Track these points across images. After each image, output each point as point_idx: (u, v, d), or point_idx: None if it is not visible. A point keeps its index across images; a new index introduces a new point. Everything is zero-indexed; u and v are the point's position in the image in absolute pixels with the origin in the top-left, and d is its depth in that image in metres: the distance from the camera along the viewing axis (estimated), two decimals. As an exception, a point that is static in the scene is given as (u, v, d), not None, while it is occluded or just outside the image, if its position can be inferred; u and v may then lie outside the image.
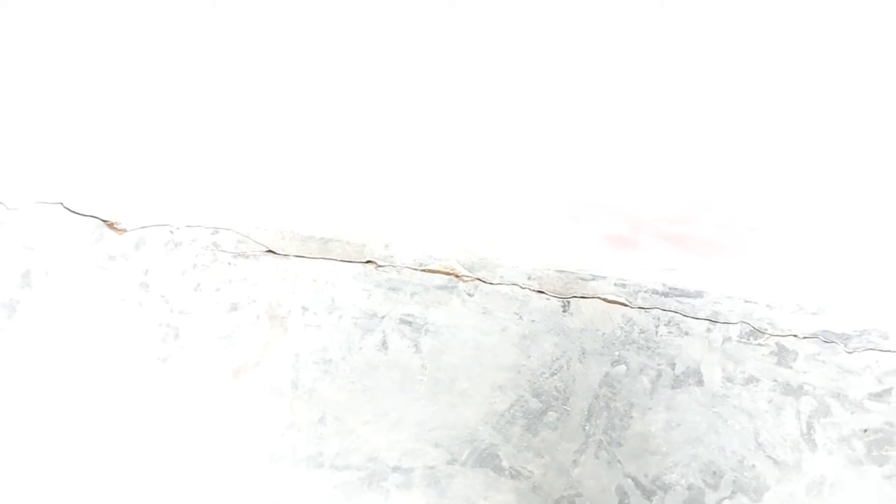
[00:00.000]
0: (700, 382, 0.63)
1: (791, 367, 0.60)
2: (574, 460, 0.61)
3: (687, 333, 0.64)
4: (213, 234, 0.65)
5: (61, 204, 0.64)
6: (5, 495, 0.58)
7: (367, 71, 0.48)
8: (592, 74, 0.41)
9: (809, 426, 0.58)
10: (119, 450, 0.59)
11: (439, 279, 0.65)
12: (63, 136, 0.65)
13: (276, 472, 0.60)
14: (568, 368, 0.63)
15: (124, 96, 0.55)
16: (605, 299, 0.65)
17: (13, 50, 0.47)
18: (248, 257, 0.64)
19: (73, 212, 0.64)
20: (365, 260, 0.65)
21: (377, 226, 0.66)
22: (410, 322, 0.63)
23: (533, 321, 0.64)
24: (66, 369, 0.61)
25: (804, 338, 0.60)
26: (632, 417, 0.62)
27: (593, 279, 0.65)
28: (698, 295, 0.66)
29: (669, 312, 0.65)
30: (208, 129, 0.64)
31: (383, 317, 0.64)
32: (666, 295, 0.65)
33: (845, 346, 0.60)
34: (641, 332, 0.64)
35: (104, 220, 0.64)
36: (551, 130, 0.52)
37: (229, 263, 0.64)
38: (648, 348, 0.63)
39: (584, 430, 0.61)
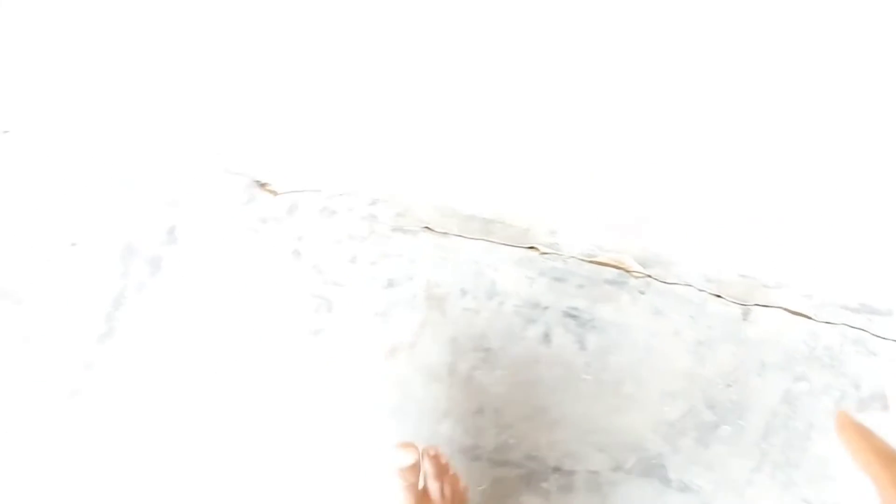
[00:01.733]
0: (885, 407, 0.58)
1: None
2: (748, 479, 0.57)
3: (874, 354, 0.60)
4: (370, 204, 0.61)
5: (210, 158, 0.60)
6: (152, 459, 0.55)
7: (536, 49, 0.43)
8: None
9: None
10: (266, 422, 0.56)
11: (608, 273, 0.61)
12: (218, 87, 0.61)
13: (430, 461, 0.56)
14: (745, 381, 0.59)
15: (287, 53, 0.50)
16: (788, 310, 0.60)
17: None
18: (406, 232, 0.60)
19: (224, 169, 0.60)
20: (528, 245, 0.61)
21: (543, 210, 0.62)
22: (575, 316, 0.59)
23: (709, 327, 0.60)
24: (211, 333, 0.58)
25: None
26: (811, 439, 0.58)
27: (778, 287, 0.60)
28: (889, 313, 0.61)
29: (857, 330, 0.60)
30: (372, 93, 0.60)
31: (546, 307, 0.60)
32: (856, 311, 0.60)
33: None
34: (826, 348, 0.59)
35: (256, 180, 0.60)
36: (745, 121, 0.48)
37: (386, 237, 0.60)
38: (832, 367, 0.59)
39: (759, 447, 0.58)
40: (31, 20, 0.63)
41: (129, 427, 0.58)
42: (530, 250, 0.62)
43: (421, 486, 0.50)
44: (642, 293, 0.61)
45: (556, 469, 0.59)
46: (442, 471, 0.50)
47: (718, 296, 0.62)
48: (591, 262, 0.62)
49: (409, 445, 0.52)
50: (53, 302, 0.60)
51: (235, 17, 0.63)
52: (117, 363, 0.59)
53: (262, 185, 0.62)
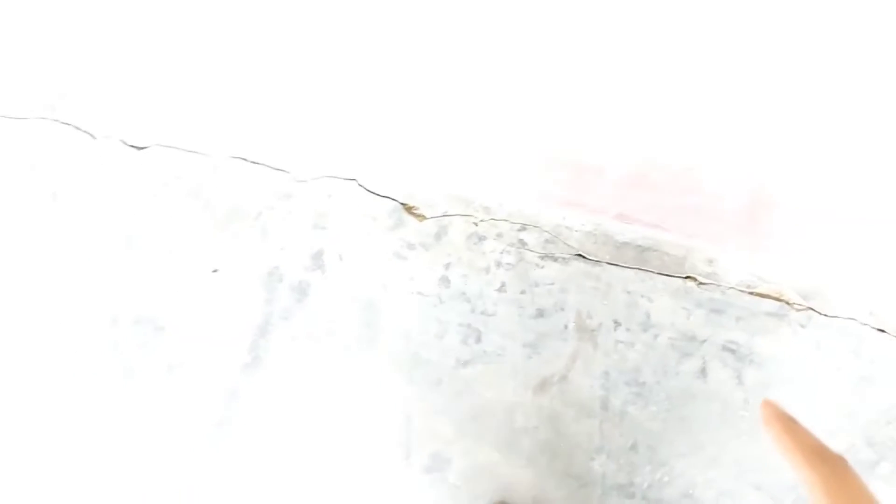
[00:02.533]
0: None
1: None
2: (911, 520, 0.55)
3: None
4: (519, 230, 0.58)
5: (355, 181, 0.58)
6: (295, 489, 0.54)
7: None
8: None
9: None
10: (406, 448, 0.55)
11: (768, 304, 0.58)
12: (359, 107, 0.58)
13: (585, 497, 0.55)
14: (909, 419, 0.57)
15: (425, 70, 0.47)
16: (957, 347, 0.58)
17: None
18: (556, 260, 0.58)
19: (370, 191, 0.58)
20: (685, 275, 0.58)
21: (700, 239, 0.59)
22: (734, 350, 0.57)
23: (871, 362, 0.57)
24: (357, 360, 0.56)
25: None
26: (976, 479, 0.56)
27: (945, 323, 0.58)
28: None
29: None
30: (528, 112, 0.56)
31: (703, 341, 0.58)
32: None
33: None
34: None
35: (403, 204, 0.58)
36: None
37: (536, 264, 0.58)
38: None
39: (922, 487, 0.56)
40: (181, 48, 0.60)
41: (275, 458, 0.56)
42: (687, 280, 0.60)
43: None
44: (803, 326, 0.59)
45: (715, 508, 0.57)
46: None
47: (882, 330, 0.59)
48: (750, 293, 0.60)
49: None
50: (196, 330, 0.58)
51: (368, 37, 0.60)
52: (263, 393, 0.57)
53: (410, 209, 0.60)
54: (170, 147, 0.59)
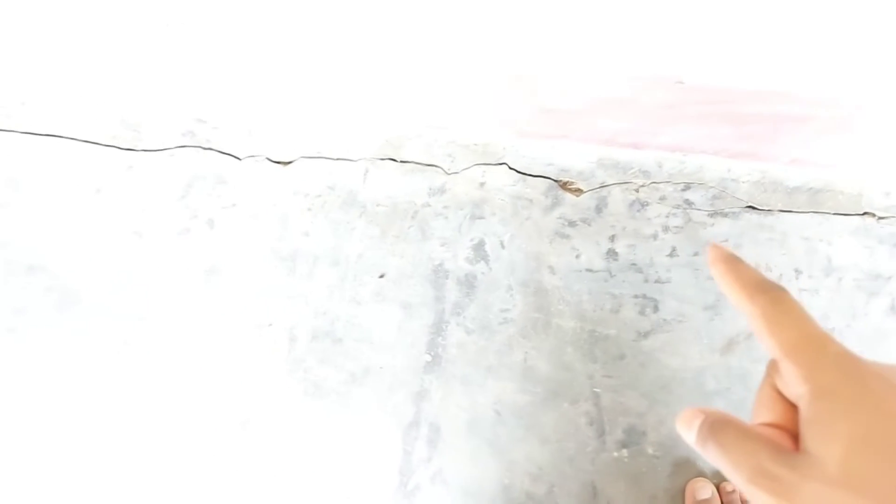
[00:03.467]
0: None
1: None
2: None
3: None
4: (683, 190, 0.56)
5: (505, 164, 0.56)
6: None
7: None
8: None
9: None
10: (607, 429, 0.54)
11: (956, 231, 0.55)
12: (502, 88, 0.55)
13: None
14: None
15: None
16: None
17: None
18: (726, 215, 0.56)
19: (521, 173, 0.56)
20: (862, 212, 0.56)
21: (874, 170, 0.56)
22: None
23: None
24: (537, 346, 0.55)
25: None
26: None
27: None
28: None
29: None
30: (662, 62, 0.53)
31: (890, 277, 0.55)
32: None
33: None
34: None
35: (556, 181, 0.56)
36: None
37: (706, 223, 0.56)
38: None
39: None
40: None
41: (472, 452, 0.56)
42: (865, 217, 0.57)
43: None
44: None
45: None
46: None
47: None
48: (935, 221, 0.57)
49: (705, 481, 0.53)
50: (373, 337, 0.58)
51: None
52: (450, 390, 0.57)
53: (565, 185, 0.58)
54: (316, 157, 0.58)
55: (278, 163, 0.59)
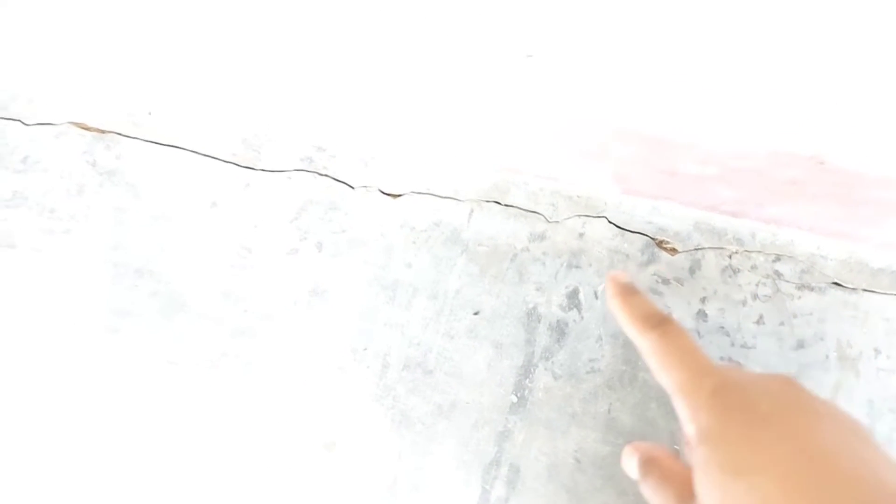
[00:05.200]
0: None
1: None
2: None
3: None
4: (773, 261, 0.58)
5: (605, 217, 0.59)
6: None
7: None
8: None
9: None
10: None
11: None
12: (602, 147, 0.58)
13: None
14: None
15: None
16: None
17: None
18: (813, 289, 0.58)
19: (620, 227, 0.59)
20: None
21: None
22: None
23: None
24: (620, 398, 0.57)
25: None
26: None
27: None
28: None
29: None
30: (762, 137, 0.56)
31: None
32: None
33: None
34: None
35: (653, 239, 0.58)
36: None
37: (793, 295, 0.58)
38: None
39: None
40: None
41: (549, 496, 0.58)
42: (947, 305, 0.60)
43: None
44: None
45: None
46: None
47: None
48: None
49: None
50: (461, 371, 0.60)
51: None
52: (533, 433, 0.59)
53: (661, 244, 0.60)
54: (425, 194, 0.61)
55: (389, 195, 0.61)
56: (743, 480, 0.23)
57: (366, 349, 0.61)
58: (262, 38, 0.51)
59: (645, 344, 0.33)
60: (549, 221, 0.62)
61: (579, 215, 0.62)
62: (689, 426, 0.31)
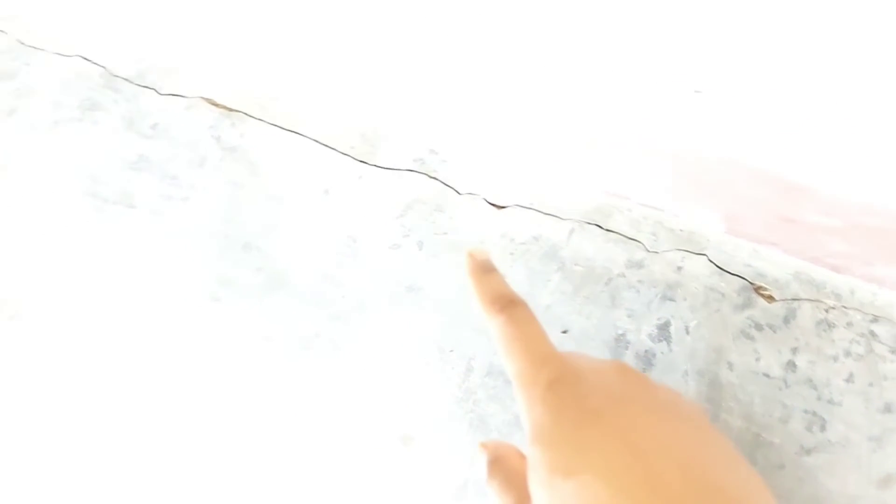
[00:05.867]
0: None
1: None
2: None
3: None
4: (871, 321, 0.58)
5: (706, 256, 0.59)
6: None
7: None
8: None
9: None
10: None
11: None
12: (708, 186, 0.58)
13: None
14: None
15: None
16: None
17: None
18: None
19: (720, 267, 0.59)
20: None
21: None
22: None
23: None
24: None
25: None
26: None
27: None
28: None
29: None
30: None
31: None
32: None
33: None
34: None
35: (751, 283, 0.58)
36: None
37: (886, 358, 0.57)
38: None
39: None
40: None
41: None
42: None
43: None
44: None
45: None
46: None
47: None
48: None
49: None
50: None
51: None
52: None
53: (758, 290, 0.61)
54: (529, 208, 0.62)
55: (493, 205, 0.63)
56: (571, 481, 0.22)
57: (452, 350, 0.62)
58: (390, 39, 0.53)
59: (492, 326, 0.32)
60: (648, 251, 0.63)
61: (679, 249, 0.63)
62: (524, 421, 0.30)
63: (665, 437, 0.24)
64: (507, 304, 0.33)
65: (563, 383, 0.28)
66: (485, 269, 0.37)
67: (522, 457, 0.32)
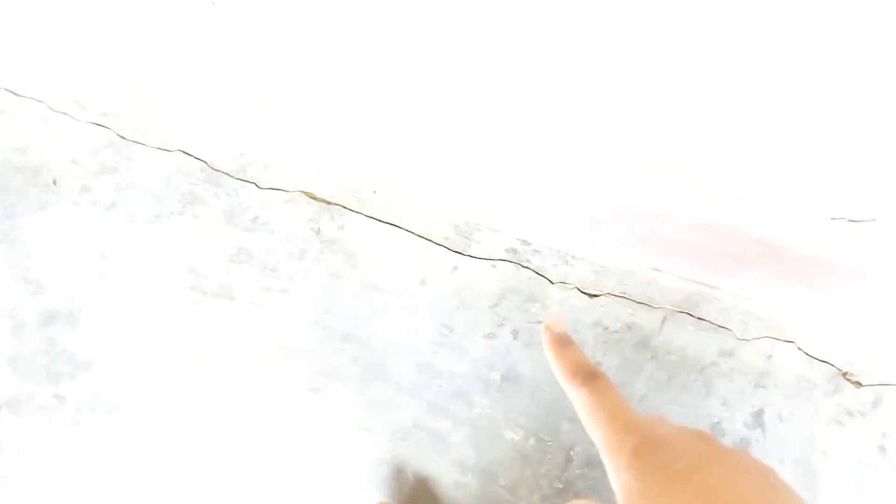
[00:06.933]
0: None
1: None
2: None
3: None
4: None
5: (794, 343, 0.61)
6: None
7: None
8: None
9: None
10: None
11: None
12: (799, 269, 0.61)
13: None
14: None
15: None
16: None
17: None
18: None
19: (809, 355, 0.61)
20: None
21: None
22: None
23: None
24: None
25: None
26: None
27: None
28: None
29: None
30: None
31: None
32: None
33: None
34: None
35: (839, 369, 0.60)
36: None
37: None
38: None
39: None
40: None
41: None
42: None
43: None
44: None
45: None
46: None
47: None
48: None
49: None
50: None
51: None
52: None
53: (846, 375, 0.62)
54: (621, 297, 0.64)
55: (586, 293, 0.65)
56: None
57: (550, 442, 0.64)
58: (483, 138, 0.56)
59: (575, 398, 0.34)
60: (738, 339, 0.65)
61: (769, 337, 0.65)
62: (614, 485, 0.31)
63: (746, 494, 0.26)
64: (589, 377, 0.36)
65: (647, 448, 0.30)
66: (563, 342, 0.39)
67: None
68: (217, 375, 0.66)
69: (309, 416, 0.66)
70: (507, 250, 0.68)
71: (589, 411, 0.33)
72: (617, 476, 0.30)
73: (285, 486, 0.65)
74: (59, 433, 0.67)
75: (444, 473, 0.65)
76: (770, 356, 0.66)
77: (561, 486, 0.64)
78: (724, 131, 0.44)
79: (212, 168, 0.70)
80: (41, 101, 0.73)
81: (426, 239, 0.68)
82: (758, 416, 0.64)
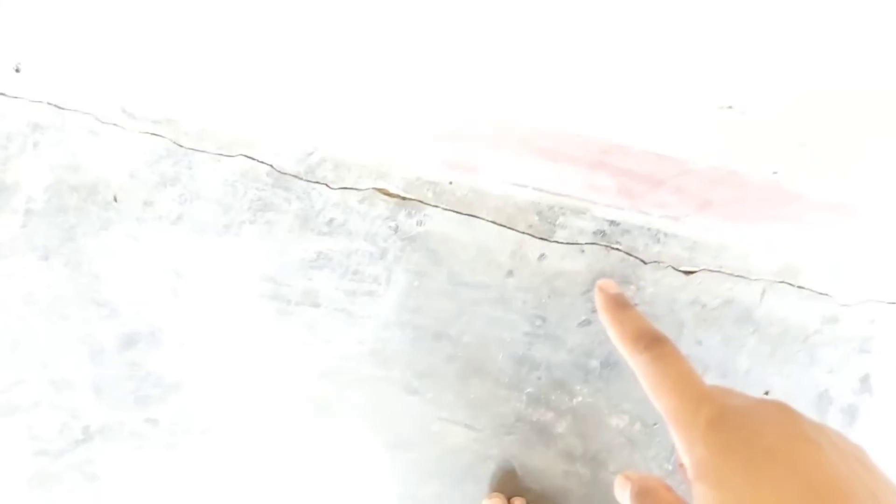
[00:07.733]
0: None
1: None
2: None
3: None
4: None
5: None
6: None
7: None
8: None
9: None
10: None
11: None
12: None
13: None
14: None
15: None
16: None
17: None
18: None
19: None
20: None
21: None
22: None
23: None
24: None
25: None
26: None
27: None
28: None
29: None
30: None
31: None
32: None
33: None
34: None
35: None
36: None
37: None
38: None
39: None
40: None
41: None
42: None
43: None
44: None
45: None
46: None
47: None
48: None
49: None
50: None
51: None
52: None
53: (953, 334, 0.61)
54: (717, 272, 0.62)
55: (681, 271, 0.63)
56: None
57: (656, 424, 0.63)
58: (563, 115, 0.53)
59: (638, 365, 0.31)
60: (840, 304, 0.64)
61: (872, 300, 0.64)
62: (685, 458, 0.28)
63: (840, 473, 0.23)
64: (652, 342, 0.32)
65: (725, 420, 0.28)
66: (620, 304, 0.36)
67: (669, 489, 0.31)
68: (308, 384, 0.65)
69: (409, 418, 0.65)
70: (594, 233, 0.66)
71: (654, 380, 0.30)
72: (690, 450, 0.27)
73: (392, 492, 0.65)
74: (155, 457, 0.66)
75: (551, 465, 0.65)
76: (873, 320, 0.64)
77: (671, 467, 0.63)
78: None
79: (279, 171, 0.67)
80: (88, 114, 0.69)
81: (510, 227, 0.66)
82: (864, 380, 0.64)
